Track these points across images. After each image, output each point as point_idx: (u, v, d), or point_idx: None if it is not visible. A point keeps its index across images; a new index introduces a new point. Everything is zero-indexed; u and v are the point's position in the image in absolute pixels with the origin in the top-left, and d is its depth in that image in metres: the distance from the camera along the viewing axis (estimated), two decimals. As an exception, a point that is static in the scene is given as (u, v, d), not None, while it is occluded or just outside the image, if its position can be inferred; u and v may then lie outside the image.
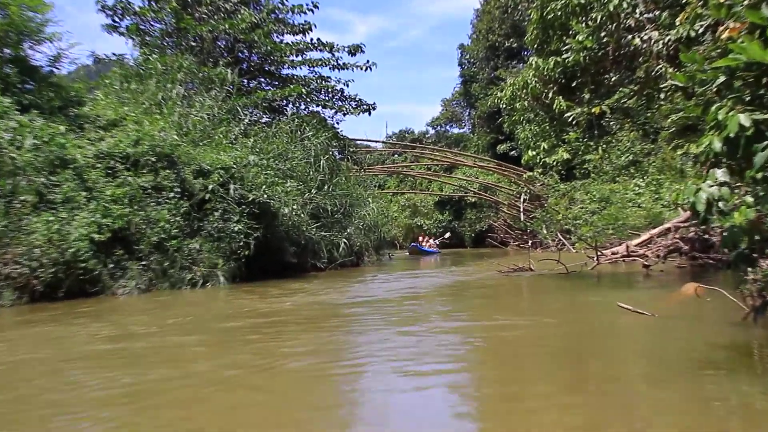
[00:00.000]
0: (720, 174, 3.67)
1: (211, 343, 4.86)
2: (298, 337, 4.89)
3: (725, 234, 3.67)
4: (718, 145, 3.50)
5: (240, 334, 5.11)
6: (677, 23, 8.27)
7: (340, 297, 7.97)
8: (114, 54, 15.70)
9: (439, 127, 52.15)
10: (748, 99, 3.55)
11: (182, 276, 9.18)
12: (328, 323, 5.85)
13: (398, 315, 6.29)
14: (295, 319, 6.03)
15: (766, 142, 3.28)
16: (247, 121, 13.61)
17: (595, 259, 11.39)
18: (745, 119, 3.36)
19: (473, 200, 35.82)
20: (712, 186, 3.65)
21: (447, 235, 33.49)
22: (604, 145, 20.95)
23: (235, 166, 10.63)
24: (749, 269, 4.44)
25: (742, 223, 3.52)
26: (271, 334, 5.02)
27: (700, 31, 7.55)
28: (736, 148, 3.45)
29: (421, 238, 29.06)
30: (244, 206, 10.32)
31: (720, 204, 3.59)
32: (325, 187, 14.22)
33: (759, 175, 3.44)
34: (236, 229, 10.03)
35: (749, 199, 3.58)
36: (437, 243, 30.15)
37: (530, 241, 24.16)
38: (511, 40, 37.34)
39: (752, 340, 4.21)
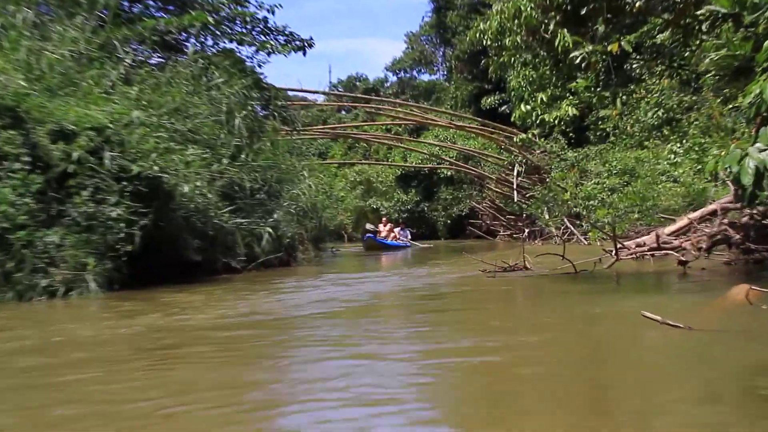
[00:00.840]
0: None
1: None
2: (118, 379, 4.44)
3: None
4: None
5: (44, 376, 4.59)
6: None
7: (243, 312, 7.71)
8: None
9: (402, 73, 52.25)
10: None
11: (34, 282, 8.88)
12: (190, 354, 5.48)
13: (314, 339, 6.07)
14: (143, 347, 5.73)
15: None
16: (129, 61, 13.27)
17: (614, 253, 11.49)
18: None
19: (449, 174, 36.36)
20: (763, 150, 3.55)
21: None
22: (626, 97, 21.16)
23: (112, 126, 10.30)
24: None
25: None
26: (88, 374, 4.56)
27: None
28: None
29: (382, 227, 28.81)
30: (125, 183, 10.02)
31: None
32: (243, 155, 14.10)
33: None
34: (114, 215, 9.73)
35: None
36: (407, 234, 30.44)
37: (526, 230, 24.59)
38: (501, -50, 37.64)
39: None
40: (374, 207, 38.36)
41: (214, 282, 11.48)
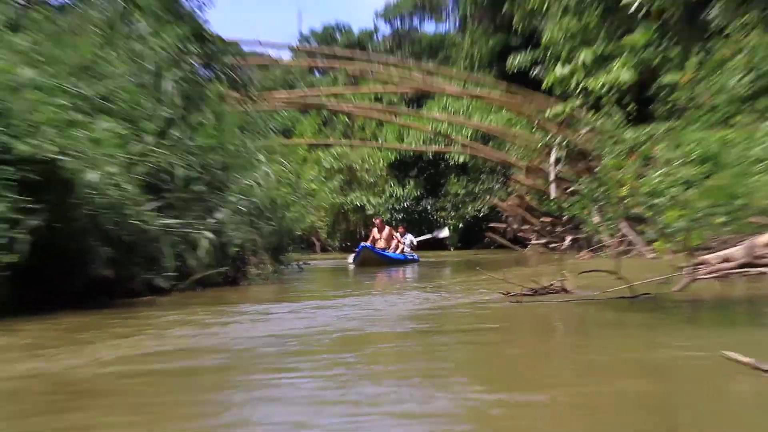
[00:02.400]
0: None
1: None
2: None
3: None
4: None
5: None
6: None
7: (153, 352, 7.41)
8: None
9: (399, 22, 51.95)
10: None
11: None
12: None
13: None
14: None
15: None
16: (20, 0, 13.28)
17: (689, 271, 11.34)
18: None
19: (461, 160, 36.64)
20: None
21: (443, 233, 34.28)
22: (703, 55, 21.21)
23: (-12, 88, 10.16)
24: None
25: None
26: None
27: None
28: None
29: (376, 234, 26.40)
30: (9, 168, 9.81)
31: None
32: (175, 132, 14.02)
33: None
34: (-9, 212, 9.53)
35: None
36: (414, 242, 29.85)
37: (568, 238, 24.64)
38: None
39: None
40: (358, 204, 38.52)
41: (130, 307, 11.34)
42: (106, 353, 7.22)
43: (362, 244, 24.64)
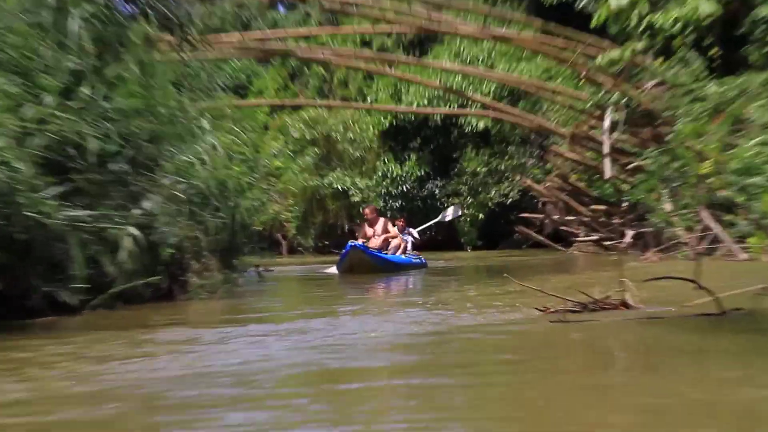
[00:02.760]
0: None
1: None
2: None
3: None
4: None
5: None
6: None
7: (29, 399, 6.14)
8: None
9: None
10: None
11: None
12: None
13: None
14: None
15: None
16: None
17: None
18: None
19: (481, 126, 32.65)
20: None
21: (450, 213, 29.57)
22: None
23: None
24: None
25: None
26: None
27: None
28: None
29: (368, 228, 21.71)
30: None
31: None
32: (85, 90, 12.29)
33: None
34: None
35: None
36: (415, 238, 25.29)
37: (629, 233, 22.22)
38: None
39: None
40: (339, 188, 34.61)
41: (18, 333, 9.81)
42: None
43: (351, 242, 19.89)
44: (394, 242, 21.06)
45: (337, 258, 21.56)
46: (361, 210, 25.27)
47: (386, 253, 20.26)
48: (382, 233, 21.21)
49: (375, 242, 21.00)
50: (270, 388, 6.55)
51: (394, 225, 22.48)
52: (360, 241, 20.10)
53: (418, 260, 21.65)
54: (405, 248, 21.32)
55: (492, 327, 9.52)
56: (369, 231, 21.34)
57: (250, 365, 7.45)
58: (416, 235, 25.46)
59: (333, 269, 20.90)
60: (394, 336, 9.12)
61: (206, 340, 9.35)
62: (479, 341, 8.72)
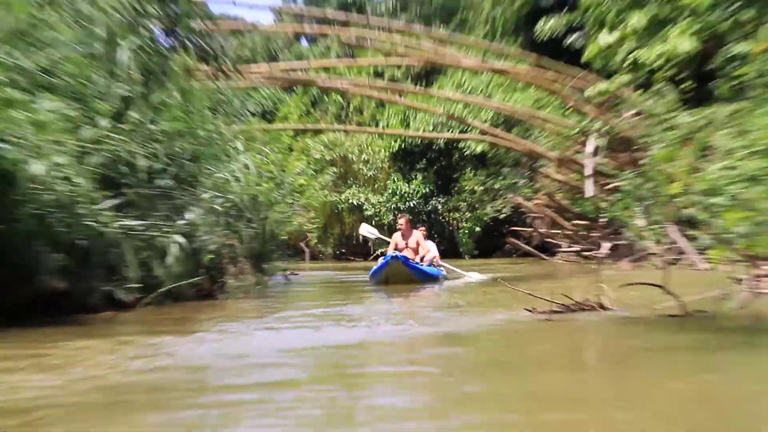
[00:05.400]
0: None
1: None
2: None
3: None
4: None
5: None
6: None
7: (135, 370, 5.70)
8: None
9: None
10: None
11: None
12: None
13: None
14: None
15: None
16: None
17: (752, 285, 8.92)
18: None
19: (480, 149, 28.10)
20: None
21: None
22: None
23: None
24: None
25: None
26: None
27: None
28: None
29: (400, 239, 15.50)
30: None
31: None
32: (134, 114, 10.90)
33: None
34: None
35: None
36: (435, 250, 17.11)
37: (607, 245, 19.68)
38: None
39: None
40: (355, 203, 30.59)
41: (82, 325, 8.58)
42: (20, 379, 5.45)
43: (390, 253, 14.58)
44: (428, 255, 15.37)
45: (354, 264, 18.30)
46: (396, 220, 18.25)
47: (421, 265, 14.88)
48: (416, 246, 15.44)
49: (408, 254, 14.89)
50: (293, 365, 6.19)
51: (426, 238, 16.23)
52: (395, 249, 15.15)
53: (441, 273, 15.63)
54: (433, 260, 15.64)
55: (489, 325, 8.50)
56: (401, 243, 15.47)
57: (276, 349, 6.92)
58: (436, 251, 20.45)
59: (370, 273, 15.46)
60: (418, 337, 7.89)
61: (242, 330, 8.37)
62: (481, 338, 7.69)
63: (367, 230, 19.95)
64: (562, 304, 8.66)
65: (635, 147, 17.89)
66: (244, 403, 4.68)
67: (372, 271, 14.96)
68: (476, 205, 29.73)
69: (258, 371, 5.86)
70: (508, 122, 24.72)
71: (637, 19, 17.88)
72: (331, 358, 6.46)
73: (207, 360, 6.31)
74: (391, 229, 22.64)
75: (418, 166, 31.14)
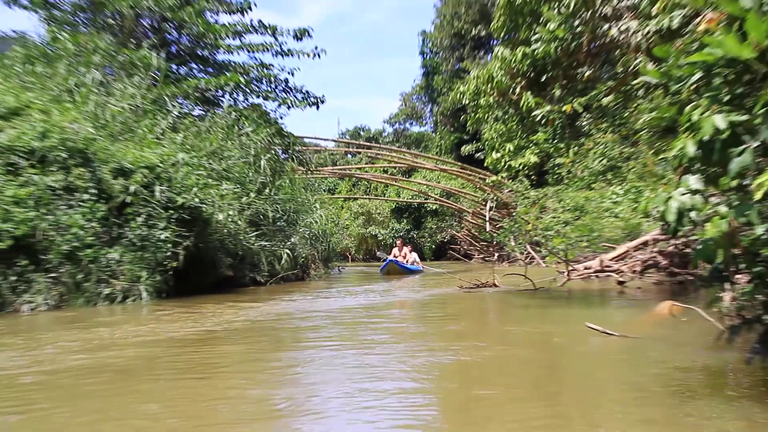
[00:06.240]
0: (693, 181, 3.66)
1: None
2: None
3: (698, 248, 3.62)
4: (691, 149, 3.37)
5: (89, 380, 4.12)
6: (654, 12, 8.45)
7: (276, 310, 7.91)
8: (14, 31, 14.44)
9: (397, 125, 52.29)
10: (726, 99, 3.53)
11: (99, 290, 8.98)
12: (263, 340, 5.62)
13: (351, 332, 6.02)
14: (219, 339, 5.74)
15: (741, 147, 3.12)
16: (176, 113, 13.14)
17: (566, 274, 11.43)
18: (720, 121, 3.24)
19: (434, 207, 36.09)
20: (684, 194, 3.65)
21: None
22: (577, 148, 21.20)
23: (161, 165, 10.31)
24: (725, 286, 4.48)
25: (715, 236, 3.46)
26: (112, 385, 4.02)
27: (680, 22, 7.72)
28: (710, 152, 3.42)
29: (397, 250, 22.49)
30: (171, 211, 10.05)
31: (692, 214, 3.63)
32: (266, 190, 13.88)
33: (734, 183, 3.45)
34: (162, 237, 9.76)
35: (723, 209, 3.40)
36: (416, 256, 24.44)
37: (496, 254, 24.36)
38: (479, 27, 37.83)
39: (726, 364, 4.20)
40: (373, 234, 38.35)
41: (242, 293, 11.34)
42: (232, 317, 7.40)
43: (389, 258, 20.83)
44: (411, 258, 21.77)
45: (376, 263, 24.59)
46: (395, 241, 27.76)
47: (407, 264, 21.15)
48: (404, 254, 22.07)
49: (400, 258, 21.60)
50: (373, 309, 8.24)
51: (411, 251, 22.81)
52: (393, 257, 21.33)
53: (420, 268, 21.98)
54: (414, 261, 21.90)
55: (439, 294, 11.13)
56: (398, 252, 22.03)
57: (338, 307, 9.00)
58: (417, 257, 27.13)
59: (383, 260, 22.26)
60: (406, 299, 10.61)
61: (319, 296, 10.80)
62: (436, 301, 10.12)
63: (380, 253, 27.59)
64: (474, 284, 11.43)
65: (510, 207, 23.62)
66: (320, 328, 6.49)
67: (380, 268, 21.00)
68: (433, 234, 37.25)
69: (326, 318, 7.40)
70: (448, 194, 32.27)
71: (510, 147, 23.36)
72: (360, 312, 8.12)
73: (300, 310, 8.07)
74: (392, 246, 29.86)
75: (404, 216, 38.26)
